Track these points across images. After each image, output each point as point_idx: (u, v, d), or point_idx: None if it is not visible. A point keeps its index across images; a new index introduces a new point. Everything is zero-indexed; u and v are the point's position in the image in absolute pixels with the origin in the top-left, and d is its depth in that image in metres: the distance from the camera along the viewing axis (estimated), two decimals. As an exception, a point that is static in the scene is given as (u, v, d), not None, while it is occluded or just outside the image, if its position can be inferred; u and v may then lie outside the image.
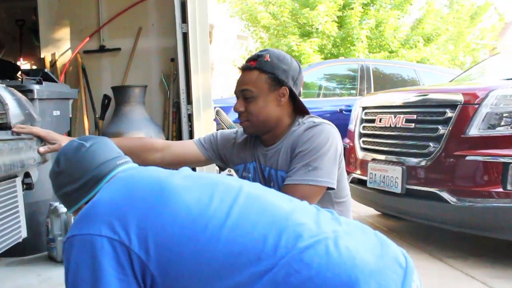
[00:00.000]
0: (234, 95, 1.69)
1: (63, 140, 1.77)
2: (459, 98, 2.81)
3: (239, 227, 0.96)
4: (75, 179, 1.13)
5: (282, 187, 1.56)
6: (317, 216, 1.06)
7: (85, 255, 0.94)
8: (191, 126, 3.65)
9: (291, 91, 1.62)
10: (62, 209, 2.80)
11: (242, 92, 1.62)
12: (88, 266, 0.93)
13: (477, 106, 2.70)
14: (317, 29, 10.97)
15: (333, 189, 1.58)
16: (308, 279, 0.91)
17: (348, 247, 0.96)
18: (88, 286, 0.93)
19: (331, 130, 1.60)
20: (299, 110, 1.68)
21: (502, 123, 2.64)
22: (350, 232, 1.03)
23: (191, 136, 3.62)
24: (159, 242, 0.94)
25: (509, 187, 2.53)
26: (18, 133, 1.77)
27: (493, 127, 2.66)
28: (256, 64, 1.60)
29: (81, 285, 0.94)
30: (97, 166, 1.13)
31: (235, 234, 0.95)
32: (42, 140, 1.83)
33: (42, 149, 1.82)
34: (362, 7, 11.11)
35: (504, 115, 2.64)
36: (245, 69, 1.63)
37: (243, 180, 1.18)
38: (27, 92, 2.38)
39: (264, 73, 1.59)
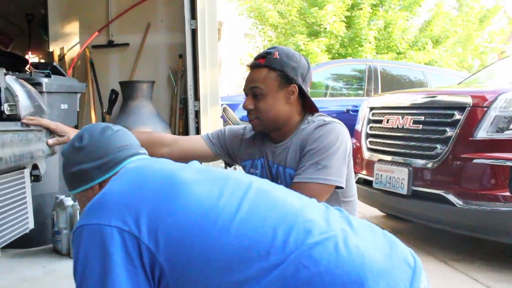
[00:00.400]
0: (241, 93, 1.69)
1: (72, 133, 1.77)
2: (468, 100, 2.79)
3: (249, 221, 0.96)
4: (95, 158, 1.13)
5: (290, 185, 1.56)
6: (326, 213, 1.06)
7: (94, 245, 0.94)
8: (197, 123, 3.66)
9: (300, 88, 1.62)
10: (68, 202, 2.81)
11: (251, 89, 1.61)
12: (97, 256, 0.93)
13: (485, 109, 2.68)
14: (325, 28, 10.95)
15: (341, 188, 1.58)
16: (316, 275, 0.91)
17: (357, 245, 0.96)
18: (96, 276, 0.93)
19: (341, 129, 1.59)
20: (308, 107, 1.68)
21: (511, 126, 2.62)
22: (359, 231, 1.02)
23: (197, 132, 3.62)
24: (169, 234, 0.93)
25: (516, 191, 2.52)
26: (27, 125, 1.78)
27: (501, 130, 2.64)
28: (265, 62, 1.59)
29: (90, 275, 0.93)
30: (119, 149, 1.14)
31: (245, 228, 0.95)
32: (51, 132, 1.84)
33: (51, 141, 1.82)
34: (371, 8, 11.08)
35: (513, 118, 2.62)
36: (254, 66, 1.63)
37: (252, 176, 1.18)
38: (35, 85, 2.40)
39: (273, 71, 1.59)
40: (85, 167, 1.13)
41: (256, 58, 1.65)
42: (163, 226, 0.94)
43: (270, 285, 0.91)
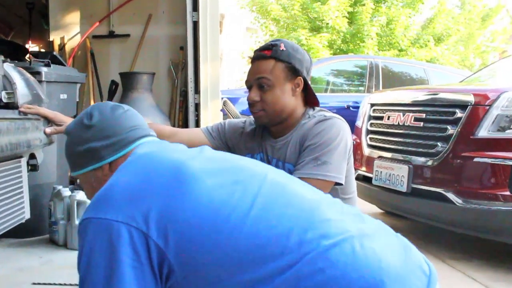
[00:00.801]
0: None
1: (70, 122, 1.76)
2: (470, 98, 2.77)
3: (263, 219, 0.92)
4: (106, 136, 1.09)
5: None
6: (342, 212, 1.01)
7: (100, 240, 0.90)
8: (197, 116, 3.64)
9: (305, 81, 1.61)
10: (65, 192, 2.79)
11: (258, 80, 1.58)
12: (103, 252, 0.89)
13: (487, 107, 2.67)
14: (327, 24, 10.93)
15: (341, 184, 1.56)
16: (332, 278, 0.87)
17: (374, 248, 0.92)
18: (102, 271, 0.89)
19: (342, 125, 1.58)
20: (308, 102, 1.67)
21: (512, 125, 2.61)
22: (374, 232, 0.98)
23: (197, 125, 3.61)
24: (179, 231, 0.89)
25: (516, 191, 2.50)
26: (25, 113, 1.76)
27: (503, 129, 2.62)
28: (271, 53, 1.57)
29: (95, 269, 0.90)
30: (130, 129, 1.11)
31: (258, 227, 0.91)
32: (49, 121, 1.82)
33: (48, 130, 1.81)
34: (374, 4, 11.06)
35: (515, 117, 2.60)
36: (259, 58, 1.60)
37: (267, 166, 1.13)
38: (35, 74, 2.38)
39: (280, 62, 1.57)
40: (95, 145, 1.09)
41: (261, 50, 1.62)
42: (172, 222, 0.90)
43: (283, 286, 0.87)
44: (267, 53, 1.58)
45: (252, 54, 1.68)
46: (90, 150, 1.09)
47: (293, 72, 1.58)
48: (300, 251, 0.89)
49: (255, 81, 1.59)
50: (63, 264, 2.49)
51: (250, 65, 1.68)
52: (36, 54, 3.23)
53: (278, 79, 1.57)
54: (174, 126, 4.00)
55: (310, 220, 0.93)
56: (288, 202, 0.97)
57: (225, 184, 0.96)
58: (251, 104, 1.61)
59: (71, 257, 2.60)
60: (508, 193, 2.53)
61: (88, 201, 2.86)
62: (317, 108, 1.68)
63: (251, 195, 0.95)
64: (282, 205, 0.95)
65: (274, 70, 1.56)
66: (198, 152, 1.08)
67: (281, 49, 1.57)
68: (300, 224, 0.92)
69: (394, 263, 0.91)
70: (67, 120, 1.78)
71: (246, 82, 1.63)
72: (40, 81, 2.40)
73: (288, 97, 1.59)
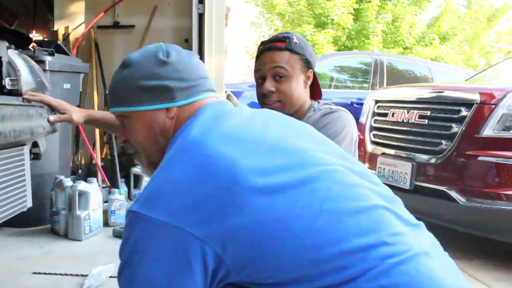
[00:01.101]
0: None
1: (74, 111, 1.75)
2: (476, 97, 2.75)
3: (329, 231, 0.86)
4: (183, 78, 1.03)
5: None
6: (405, 220, 0.95)
7: (149, 240, 0.85)
8: (201, 108, 3.63)
9: (314, 75, 1.63)
10: (67, 183, 2.79)
11: (274, 69, 1.56)
12: (151, 254, 0.84)
13: (493, 106, 2.65)
14: (332, 20, 10.89)
15: (346, 177, 1.55)
16: None
17: (435, 269, 0.88)
18: (145, 268, 0.84)
19: (348, 118, 1.57)
20: (312, 95, 1.68)
21: (518, 125, 2.59)
22: (432, 249, 0.94)
23: (200, 118, 3.59)
24: (239, 239, 0.83)
25: (520, 190, 2.49)
26: (29, 100, 1.75)
27: (508, 128, 2.61)
28: (286, 45, 1.57)
29: (137, 263, 0.85)
30: (203, 79, 1.08)
31: (323, 241, 0.85)
32: (52, 109, 1.81)
33: (52, 117, 1.79)
34: (380, 1, 11.01)
35: (521, 117, 2.59)
36: (272, 49, 1.59)
37: (337, 151, 1.03)
38: (39, 63, 2.36)
39: (295, 54, 1.57)
40: (169, 84, 1.02)
41: (273, 41, 1.61)
42: (231, 230, 0.83)
43: None
44: (281, 44, 1.58)
45: (258, 47, 1.66)
46: (162, 88, 1.02)
47: (307, 64, 1.59)
48: (363, 266, 0.84)
49: (270, 71, 1.57)
50: (64, 254, 2.49)
51: (254, 59, 1.67)
52: (40, 43, 3.22)
53: (294, 69, 1.57)
54: (177, 118, 3.99)
55: (377, 234, 0.87)
56: (357, 208, 0.89)
57: (288, 185, 0.87)
58: (266, 95, 1.58)
59: (72, 247, 2.61)
60: (511, 192, 2.52)
61: (88, 191, 2.85)
62: (322, 101, 1.68)
63: (317, 201, 0.87)
64: (350, 212, 0.88)
65: (291, 61, 1.57)
66: (260, 133, 0.96)
67: (294, 41, 1.58)
68: (366, 239, 0.86)
69: (452, 286, 0.88)
70: (71, 109, 1.77)
71: (258, 72, 1.61)
72: (44, 70, 2.39)
73: (301, 89, 1.60)
